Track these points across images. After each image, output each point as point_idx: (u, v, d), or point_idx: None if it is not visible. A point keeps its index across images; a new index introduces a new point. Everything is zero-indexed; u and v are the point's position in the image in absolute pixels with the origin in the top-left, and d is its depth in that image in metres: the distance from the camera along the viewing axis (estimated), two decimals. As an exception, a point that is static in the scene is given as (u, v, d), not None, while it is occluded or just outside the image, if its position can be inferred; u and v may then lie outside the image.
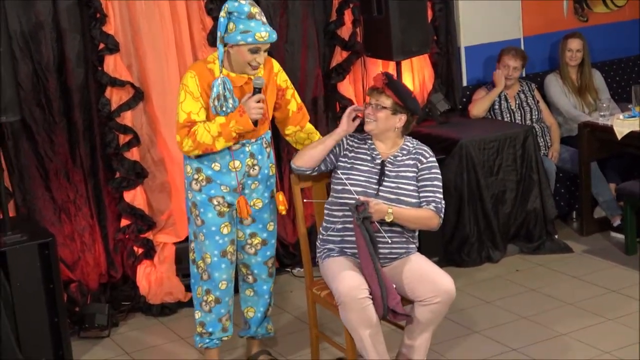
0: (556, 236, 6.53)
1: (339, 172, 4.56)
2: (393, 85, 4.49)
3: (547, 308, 5.53)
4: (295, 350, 5.19)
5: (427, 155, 4.59)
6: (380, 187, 4.49)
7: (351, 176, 4.52)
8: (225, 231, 4.73)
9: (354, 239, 4.41)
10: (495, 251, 6.31)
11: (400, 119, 4.52)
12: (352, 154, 4.59)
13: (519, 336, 5.17)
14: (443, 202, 4.53)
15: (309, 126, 4.96)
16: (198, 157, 4.66)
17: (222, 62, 4.57)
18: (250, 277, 4.93)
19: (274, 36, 4.52)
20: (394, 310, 4.29)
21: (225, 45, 4.55)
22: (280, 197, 4.78)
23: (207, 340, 4.89)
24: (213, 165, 4.66)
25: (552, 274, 6.06)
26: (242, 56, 4.51)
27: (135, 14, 5.74)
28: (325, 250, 4.58)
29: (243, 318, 5.03)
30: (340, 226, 4.52)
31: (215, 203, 4.68)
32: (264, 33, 4.47)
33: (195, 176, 4.69)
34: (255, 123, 4.54)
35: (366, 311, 4.26)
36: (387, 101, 4.48)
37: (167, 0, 5.80)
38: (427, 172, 4.55)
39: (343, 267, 4.41)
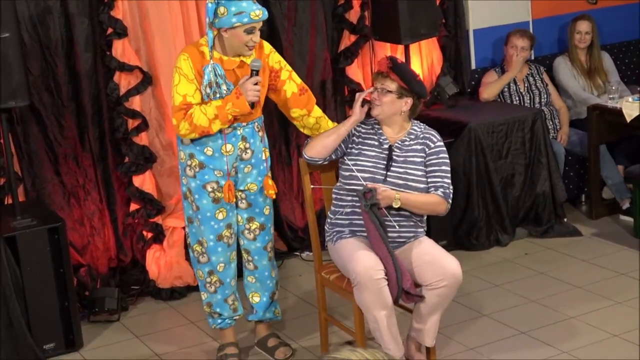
0: (565, 219, 6.54)
1: (346, 158, 4.58)
2: (397, 68, 4.49)
3: (555, 291, 5.55)
4: (304, 334, 5.23)
5: (435, 140, 4.59)
6: (388, 173, 4.50)
7: (359, 162, 4.53)
8: (220, 217, 4.75)
9: (362, 222, 4.44)
10: (504, 235, 6.33)
11: (406, 103, 4.52)
12: (360, 140, 4.60)
13: (527, 319, 5.20)
14: (451, 187, 4.54)
15: (317, 110, 4.95)
16: (191, 142, 4.67)
17: (211, 48, 4.55)
18: (251, 264, 4.95)
19: (266, 13, 4.53)
20: (408, 291, 4.31)
21: (217, 30, 4.53)
22: (270, 181, 4.81)
23: (219, 321, 4.93)
24: (206, 150, 4.67)
25: (561, 257, 6.07)
26: (238, 38, 4.49)
27: (143, -2, 5.76)
28: (335, 233, 4.60)
29: (249, 303, 5.05)
30: (349, 210, 4.54)
31: (210, 189, 4.70)
32: (258, 11, 4.46)
33: (189, 162, 4.71)
34: (252, 105, 4.56)
35: (382, 292, 4.28)
36: (392, 85, 4.48)
37: (175, -16, 5.82)
38: (435, 157, 4.55)
39: (358, 247, 4.42)
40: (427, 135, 4.60)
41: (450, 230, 6.24)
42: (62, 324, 5.13)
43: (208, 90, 4.54)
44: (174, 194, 5.98)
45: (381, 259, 4.30)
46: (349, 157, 4.57)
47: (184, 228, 5.98)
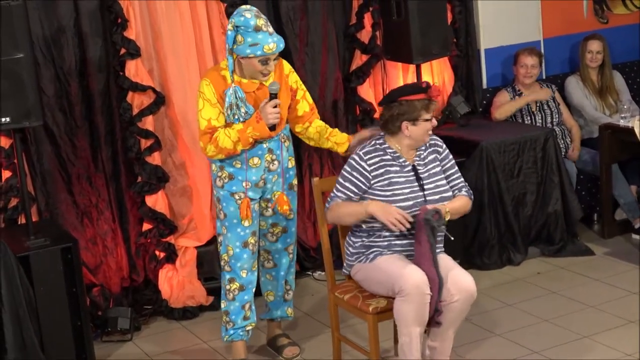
0: (578, 238, 6.52)
1: (379, 189, 4.48)
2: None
3: (568, 310, 5.53)
4: (317, 354, 5.22)
5: (440, 144, 4.65)
6: (425, 192, 4.49)
7: (395, 192, 4.47)
8: (246, 224, 4.88)
9: (402, 242, 4.46)
10: (516, 254, 6.32)
11: None
12: (382, 170, 4.51)
13: (540, 339, 5.18)
14: (466, 183, 4.65)
15: (317, 121, 5.07)
16: None
17: (232, 72, 4.71)
18: (270, 262, 5.12)
19: (282, 45, 4.65)
20: (438, 311, 4.35)
21: (235, 56, 4.69)
22: (284, 197, 4.93)
23: (232, 332, 5.01)
24: (234, 162, 4.83)
25: (574, 277, 6.06)
26: (253, 66, 4.66)
27: (156, 18, 5.78)
28: (372, 253, 4.52)
29: (264, 301, 5.23)
30: (387, 233, 4.49)
31: (237, 197, 4.85)
32: (272, 44, 4.59)
33: (219, 173, 4.87)
34: (273, 128, 4.67)
35: (425, 308, 4.28)
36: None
37: (188, 5, 5.84)
38: (447, 160, 4.62)
39: (406, 262, 4.40)
40: (432, 142, 4.63)
41: (462, 249, 6.22)
42: (74, 344, 5.12)
43: (229, 112, 4.70)
44: (186, 214, 5.99)
45: (429, 281, 4.30)
46: (381, 189, 4.48)
47: (196, 248, 6.00)
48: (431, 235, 4.31)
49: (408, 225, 4.35)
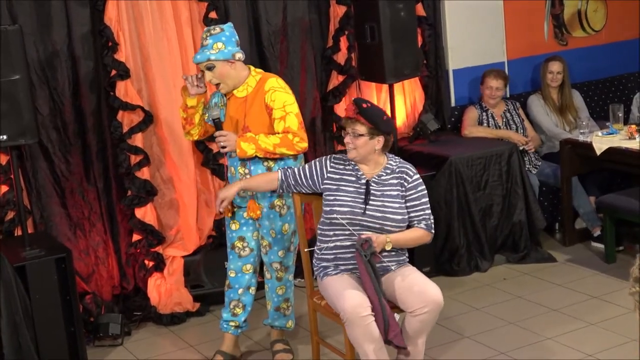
0: (541, 246, 6.54)
1: (325, 194, 4.52)
2: (364, 112, 4.40)
3: (533, 314, 5.54)
4: (298, 356, 5.21)
5: (412, 174, 4.53)
6: (367, 206, 4.43)
7: (338, 197, 4.47)
8: (233, 227, 4.97)
9: (346, 256, 4.42)
10: (483, 261, 6.33)
11: (379, 141, 4.45)
12: (338, 176, 4.53)
13: (506, 340, 5.19)
14: (432, 217, 4.52)
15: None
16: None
17: None
18: (267, 273, 5.10)
19: (197, 57, 4.75)
20: (392, 341, 4.28)
21: None
22: (250, 204, 4.90)
23: (221, 322, 5.09)
24: (230, 168, 4.95)
25: (537, 282, 6.07)
26: None
27: (145, 42, 5.77)
28: (322, 269, 4.53)
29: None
30: (332, 245, 4.47)
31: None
32: (198, 55, 4.77)
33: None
34: (218, 124, 4.80)
35: (369, 327, 4.22)
36: (362, 128, 4.41)
37: (175, 30, 5.83)
38: (414, 191, 4.50)
39: (344, 285, 4.36)
40: (403, 170, 4.55)
41: (433, 257, 6.23)
42: (68, 348, 5.08)
43: (204, 107, 4.94)
44: (173, 225, 5.97)
45: (373, 310, 4.25)
46: (328, 193, 4.51)
47: (183, 257, 5.98)
48: (368, 264, 4.25)
49: (221, 209, 4.65)
